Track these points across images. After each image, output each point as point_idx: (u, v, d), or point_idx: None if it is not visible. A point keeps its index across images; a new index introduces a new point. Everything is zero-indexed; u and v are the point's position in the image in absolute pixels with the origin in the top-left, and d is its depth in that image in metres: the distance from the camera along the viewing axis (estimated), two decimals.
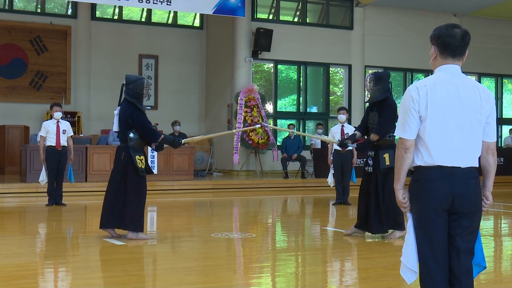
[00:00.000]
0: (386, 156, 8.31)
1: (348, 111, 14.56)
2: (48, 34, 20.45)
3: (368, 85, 8.56)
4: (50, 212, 11.53)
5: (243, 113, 19.40)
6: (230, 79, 20.64)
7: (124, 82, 8.22)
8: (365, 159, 8.83)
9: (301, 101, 21.70)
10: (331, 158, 12.85)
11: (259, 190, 16.55)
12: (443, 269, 3.66)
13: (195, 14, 22.50)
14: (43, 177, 12.11)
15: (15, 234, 9.16)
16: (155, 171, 16.05)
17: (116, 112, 8.25)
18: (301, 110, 21.68)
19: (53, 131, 12.13)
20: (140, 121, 8.10)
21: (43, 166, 12.16)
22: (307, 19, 22.09)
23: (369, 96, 8.68)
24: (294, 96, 22.06)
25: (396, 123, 8.21)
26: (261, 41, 19.99)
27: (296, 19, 22.01)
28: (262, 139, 19.29)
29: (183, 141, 8.73)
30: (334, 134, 12.71)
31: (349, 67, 22.10)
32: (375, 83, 8.45)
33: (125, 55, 21.38)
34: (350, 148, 9.31)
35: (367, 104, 8.94)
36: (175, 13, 22.31)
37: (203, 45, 22.60)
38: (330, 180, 12.62)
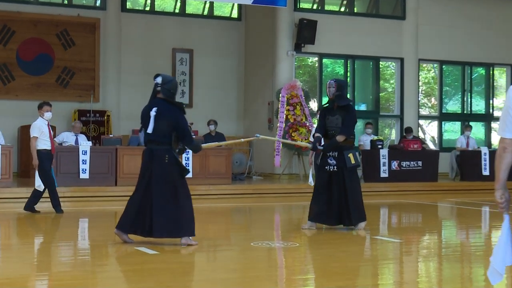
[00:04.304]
0: (351, 155, 9.81)
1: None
2: (75, 27, 20.70)
3: (330, 90, 9.85)
4: (75, 218, 11.66)
5: (285, 112, 19.37)
6: (270, 75, 20.64)
7: (160, 82, 8.34)
8: (320, 158, 10.14)
9: None
10: (312, 158, 13.21)
11: (302, 196, 16.47)
12: None
13: (233, 4, 22.55)
14: (39, 182, 11.76)
15: (39, 242, 9.27)
16: (190, 174, 16.12)
17: (153, 113, 8.27)
18: None
19: (47, 133, 11.92)
20: (184, 123, 8.36)
21: (36, 172, 11.79)
22: (355, 8, 21.98)
23: (329, 100, 10.01)
24: None
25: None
26: (304, 33, 19.94)
27: (342, 9, 21.91)
28: (306, 139, 19.23)
29: (203, 146, 9.10)
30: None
31: (401, 60, 21.91)
32: (337, 89, 9.82)
33: (157, 49, 21.53)
34: (319, 149, 10.18)
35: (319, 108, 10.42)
36: (211, 3, 22.40)
37: (242, 38, 22.64)
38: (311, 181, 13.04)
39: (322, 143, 10.08)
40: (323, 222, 10.05)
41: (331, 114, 9.92)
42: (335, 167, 9.85)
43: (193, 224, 8.36)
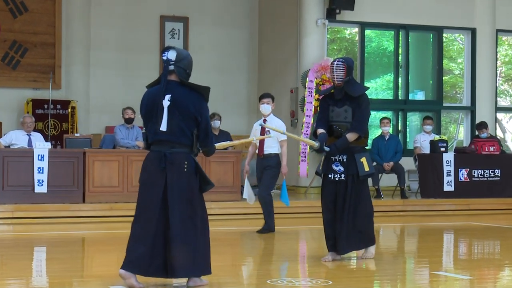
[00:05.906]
0: (364, 160, 9.94)
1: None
2: None
3: (337, 74, 9.89)
4: (29, 247, 11.69)
5: (313, 102, 19.37)
6: (294, 52, 20.67)
7: (173, 58, 8.01)
8: (322, 164, 10.21)
9: (400, 84, 21.57)
10: (248, 166, 13.85)
11: None
12: None
13: None
14: None
15: None
16: None
17: (166, 102, 7.94)
18: (400, 97, 21.55)
19: None
20: (208, 118, 8.13)
21: None
22: None
23: (335, 87, 10.05)
24: (390, 76, 21.98)
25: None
26: None
27: None
28: None
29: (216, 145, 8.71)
30: (255, 131, 13.63)
31: (473, 32, 21.89)
32: (348, 72, 9.91)
33: (140, 17, 21.57)
34: (326, 150, 10.13)
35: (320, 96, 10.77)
36: None
37: (255, 2, 22.67)
38: (249, 195, 13.14)
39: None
40: (333, 250, 10.11)
41: (337, 104, 10.00)
42: (343, 175, 9.90)
43: (210, 259, 8.12)
